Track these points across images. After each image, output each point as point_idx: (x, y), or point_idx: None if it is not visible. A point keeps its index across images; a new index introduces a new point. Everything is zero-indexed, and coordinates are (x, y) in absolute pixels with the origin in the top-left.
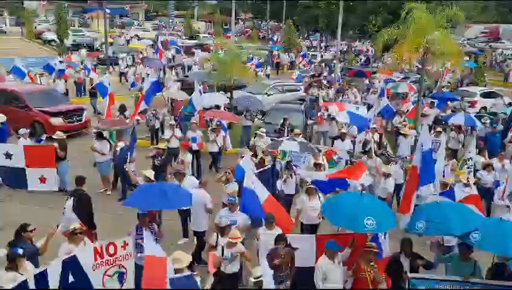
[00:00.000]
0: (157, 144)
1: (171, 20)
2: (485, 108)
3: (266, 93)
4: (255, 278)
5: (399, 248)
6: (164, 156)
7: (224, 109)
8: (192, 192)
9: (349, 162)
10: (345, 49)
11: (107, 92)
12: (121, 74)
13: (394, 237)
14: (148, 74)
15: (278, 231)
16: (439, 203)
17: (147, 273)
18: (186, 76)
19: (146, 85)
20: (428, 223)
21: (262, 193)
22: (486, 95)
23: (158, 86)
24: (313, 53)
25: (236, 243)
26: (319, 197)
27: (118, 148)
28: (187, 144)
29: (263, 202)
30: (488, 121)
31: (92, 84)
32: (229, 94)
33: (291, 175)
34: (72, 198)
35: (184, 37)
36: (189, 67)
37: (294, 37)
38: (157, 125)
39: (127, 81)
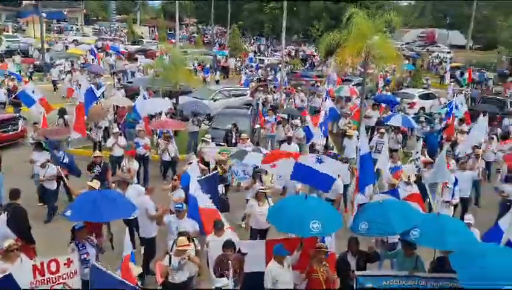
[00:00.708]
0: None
1: (112, 25)
2: (423, 109)
3: (213, 99)
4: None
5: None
6: (102, 164)
7: (168, 115)
8: (136, 200)
9: None
10: (293, 53)
11: (32, 101)
12: (53, 82)
13: (342, 237)
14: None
15: (226, 237)
16: (382, 203)
17: None
18: (130, 82)
19: (80, 95)
20: (370, 224)
21: (203, 201)
22: (424, 96)
23: (93, 95)
24: (261, 58)
25: (185, 250)
26: (268, 202)
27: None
28: (133, 152)
29: (202, 210)
30: (425, 122)
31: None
32: (174, 100)
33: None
34: (5, 212)
35: (127, 43)
36: (133, 74)
37: (240, 42)
38: (100, 136)
39: (55, 89)
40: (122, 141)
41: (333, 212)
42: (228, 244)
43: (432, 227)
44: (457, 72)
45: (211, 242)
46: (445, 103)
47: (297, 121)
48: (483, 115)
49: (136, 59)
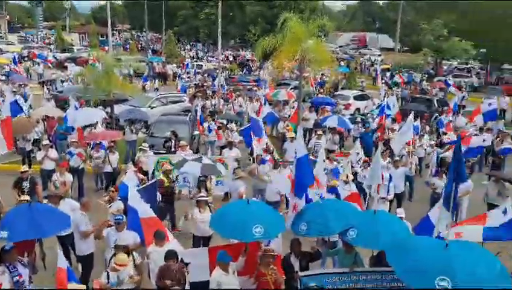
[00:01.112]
0: (30, 166)
1: (39, 32)
2: (358, 110)
3: (150, 106)
4: None
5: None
6: (30, 179)
7: (104, 125)
8: (70, 215)
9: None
10: (231, 58)
11: None
12: None
13: (286, 237)
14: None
15: (168, 247)
16: (321, 203)
17: None
18: (60, 92)
19: (5, 108)
20: (309, 224)
21: (144, 211)
22: (359, 97)
23: (17, 107)
24: (199, 63)
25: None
26: (210, 209)
27: None
28: (65, 164)
29: (143, 220)
30: (360, 122)
31: None
32: (109, 109)
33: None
34: None
35: (56, 50)
36: (63, 83)
37: (176, 48)
38: (29, 148)
39: None
40: (53, 153)
41: (275, 216)
42: (170, 255)
43: (368, 227)
44: (388, 74)
45: (152, 253)
46: (378, 104)
47: (233, 126)
48: (412, 114)
49: (66, 67)
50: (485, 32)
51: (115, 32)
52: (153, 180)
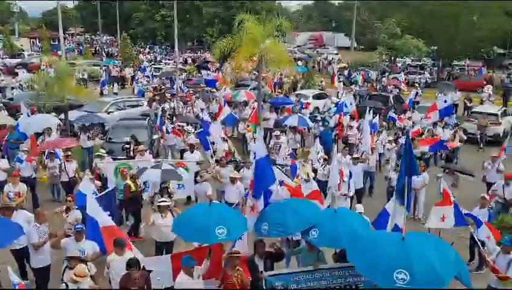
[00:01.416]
0: None
1: None
2: (317, 108)
3: (106, 111)
4: None
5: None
6: None
7: (59, 132)
8: (23, 226)
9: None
10: (189, 61)
11: None
12: None
13: (251, 238)
14: None
15: (129, 255)
16: (282, 203)
17: None
18: (11, 99)
19: None
20: (270, 225)
21: (104, 219)
22: (317, 96)
23: None
24: (157, 66)
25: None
26: (171, 213)
27: None
28: (16, 173)
29: (103, 229)
30: (320, 121)
31: None
32: (63, 115)
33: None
34: None
35: (4, 56)
36: (13, 90)
37: (132, 51)
38: None
39: None
40: (3, 163)
41: (238, 217)
42: (132, 263)
43: (329, 226)
44: (346, 72)
45: (112, 262)
46: (335, 102)
47: (190, 128)
48: (369, 111)
49: (17, 74)
50: (436, 31)
51: (67, 36)
52: (111, 188)
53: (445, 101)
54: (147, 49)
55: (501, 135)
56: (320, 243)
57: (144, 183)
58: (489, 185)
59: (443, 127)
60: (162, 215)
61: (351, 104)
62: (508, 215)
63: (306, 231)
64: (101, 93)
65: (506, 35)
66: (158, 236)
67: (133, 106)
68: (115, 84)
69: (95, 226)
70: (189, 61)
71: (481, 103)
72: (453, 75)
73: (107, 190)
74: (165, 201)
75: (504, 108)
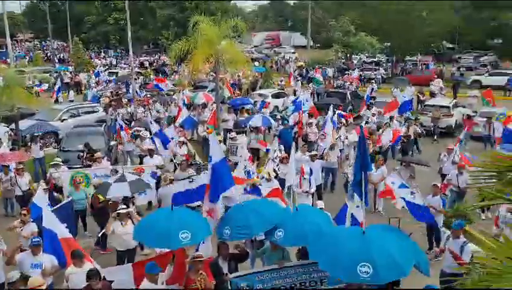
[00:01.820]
0: None
1: None
2: (277, 107)
3: (60, 119)
4: None
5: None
6: None
7: (10, 142)
8: None
9: None
10: (147, 64)
11: None
12: None
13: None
14: None
15: (88, 266)
16: (243, 206)
17: None
18: None
19: None
20: (233, 229)
21: (62, 231)
22: (276, 95)
23: None
24: (112, 71)
25: None
26: (132, 221)
27: None
28: None
29: (63, 241)
30: (280, 119)
31: None
32: (13, 125)
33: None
34: None
35: None
36: None
37: (84, 56)
38: None
39: None
40: None
41: (201, 220)
42: (92, 274)
43: (293, 225)
44: (304, 71)
45: (71, 275)
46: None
47: (145, 133)
48: (329, 108)
49: None
50: (388, 28)
51: (15, 42)
52: (68, 199)
53: (404, 97)
54: (102, 54)
55: (453, 126)
56: (286, 242)
57: None
58: (444, 176)
59: (400, 122)
60: (122, 223)
61: (307, 101)
62: (463, 204)
63: (270, 232)
64: (56, 101)
65: (454, 30)
66: (119, 245)
67: (88, 112)
68: (71, 91)
69: (53, 238)
70: (147, 64)
71: (432, 96)
72: (406, 70)
73: (63, 202)
74: (124, 208)
75: (455, 100)
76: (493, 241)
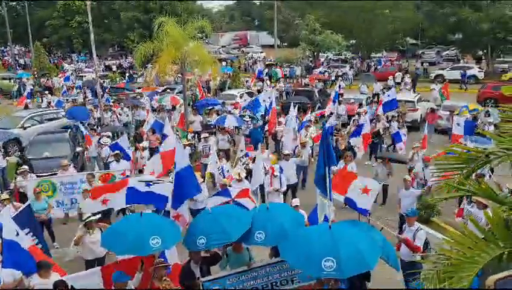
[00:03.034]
0: None
1: None
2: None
3: (22, 127)
4: None
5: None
6: None
7: None
8: None
9: None
10: (114, 68)
11: None
12: None
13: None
14: None
15: (55, 277)
16: (211, 213)
17: None
18: None
19: None
20: (208, 236)
21: (27, 240)
22: (245, 95)
23: None
24: (80, 75)
25: None
26: (100, 229)
27: None
28: None
29: (30, 249)
30: (249, 120)
31: None
32: None
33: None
34: None
35: None
36: None
37: (47, 61)
38: None
39: None
40: None
41: (171, 225)
42: (58, 285)
43: (272, 225)
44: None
45: (36, 286)
46: (264, 100)
47: (107, 139)
48: (294, 107)
49: None
50: (353, 25)
51: None
52: (26, 203)
53: (388, 96)
54: (72, 58)
55: (418, 120)
56: (269, 243)
57: (70, 199)
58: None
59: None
60: (89, 232)
61: (264, 100)
62: (430, 196)
63: (247, 236)
64: (26, 106)
65: (417, 26)
66: (88, 254)
67: (52, 119)
68: (45, 99)
69: (15, 249)
70: (114, 68)
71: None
72: (372, 66)
73: (21, 207)
74: (90, 216)
75: (418, 94)
76: (455, 233)
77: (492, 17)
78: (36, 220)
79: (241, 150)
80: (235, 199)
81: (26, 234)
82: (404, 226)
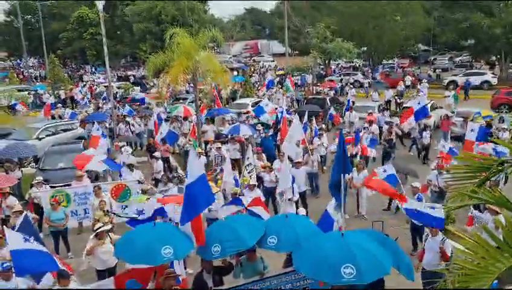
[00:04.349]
0: None
1: None
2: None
3: (37, 138)
4: None
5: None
6: None
7: None
8: None
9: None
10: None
11: None
12: None
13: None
14: None
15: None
16: (225, 222)
17: None
18: None
19: None
20: (223, 244)
21: (32, 245)
22: (256, 104)
23: None
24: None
25: None
26: (110, 239)
27: None
28: None
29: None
30: (262, 128)
31: None
32: None
33: None
34: None
35: None
36: None
37: (61, 73)
38: None
39: None
40: None
41: (183, 235)
42: None
43: (286, 231)
44: (284, 78)
45: None
46: (267, 105)
47: (128, 148)
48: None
49: None
50: (363, 32)
51: None
52: (24, 213)
53: (419, 103)
54: (86, 69)
55: (432, 127)
56: (281, 248)
57: (84, 210)
58: None
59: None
60: (101, 242)
61: (267, 105)
62: (444, 204)
63: (261, 241)
64: (52, 117)
65: (428, 32)
66: (99, 264)
67: (66, 130)
68: (66, 109)
69: (24, 255)
70: (132, 78)
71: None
72: (384, 73)
73: (20, 219)
74: (102, 226)
75: (432, 101)
76: (468, 242)
77: (505, 22)
78: (37, 231)
79: (248, 158)
80: (249, 208)
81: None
82: (425, 236)
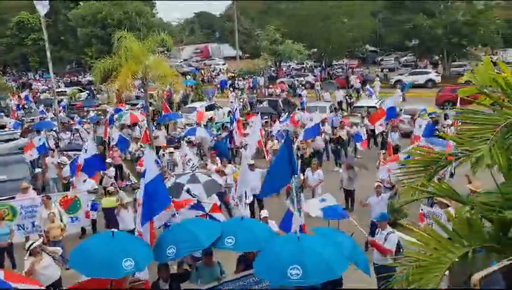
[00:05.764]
0: None
1: None
2: (211, 119)
3: None
4: None
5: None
6: None
7: None
8: None
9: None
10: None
11: None
12: None
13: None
14: None
15: None
16: (181, 224)
17: None
18: None
19: None
20: (178, 245)
21: None
22: (209, 108)
23: None
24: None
25: None
26: (46, 253)
27: None
28: None
29: None
30: (215, 132)
31: None
32: None
33: None
34: None
35: None
36: None
37: (2, 81)
38: None
39: None
40: None
41: (143, 246)
42: None
43: (243, 231)
44: (235, 81)
45: None
46: (229, 112)
47: (64, 159)
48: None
49: None
50: (312, 34)
51: None
52: None
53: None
54: (32, 76)
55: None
56: (238, 248)
57: (31, 223)
58: None
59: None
60: (37, 259)
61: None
62: (395, 199)
63: (217, 242)
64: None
65: (375, 34)
66: (44, 281)
67: (7, 140)
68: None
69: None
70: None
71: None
72: (333, 74)
73: None
74: (34, 242)
75: (381, 100)
76: (421, 235)
77: (445, 22)
78: None
79: (186, 155)
80: (210, 213)
81: None
82: (377, 230)
